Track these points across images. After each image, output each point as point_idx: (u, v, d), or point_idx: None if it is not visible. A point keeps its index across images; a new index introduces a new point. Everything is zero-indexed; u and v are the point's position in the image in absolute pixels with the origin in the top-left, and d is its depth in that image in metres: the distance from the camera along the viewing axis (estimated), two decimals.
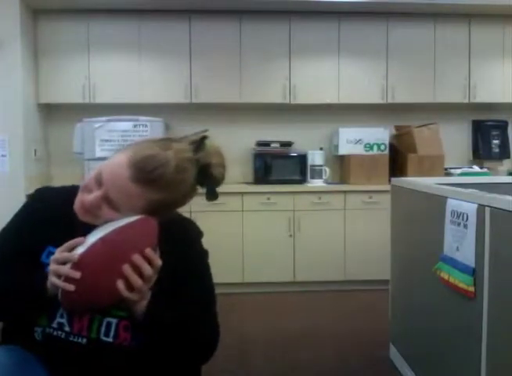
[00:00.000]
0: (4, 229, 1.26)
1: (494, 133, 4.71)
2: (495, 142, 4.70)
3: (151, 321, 1.11)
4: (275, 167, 4.33)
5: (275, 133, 4.58)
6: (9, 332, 1.21)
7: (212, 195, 1.21)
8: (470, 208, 1.79)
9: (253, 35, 4.30)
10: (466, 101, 4.45)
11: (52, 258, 1.06)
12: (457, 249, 1.90)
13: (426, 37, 4.39)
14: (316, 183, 4.29)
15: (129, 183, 1.08)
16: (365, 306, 3.75)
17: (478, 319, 1.74)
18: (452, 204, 1.95)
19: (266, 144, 4.40)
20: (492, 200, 1.67)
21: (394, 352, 2.75)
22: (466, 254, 1.83)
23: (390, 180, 2.84)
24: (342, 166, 4.61)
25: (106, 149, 4.07)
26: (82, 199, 1.14)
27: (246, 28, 4.29)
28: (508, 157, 4.75)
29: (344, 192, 4.15)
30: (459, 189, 1.99)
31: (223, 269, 4.06)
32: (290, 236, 4.12)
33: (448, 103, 4.52)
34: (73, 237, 1.07)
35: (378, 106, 4.54)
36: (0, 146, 3.94)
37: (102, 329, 1.16)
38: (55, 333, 1.17)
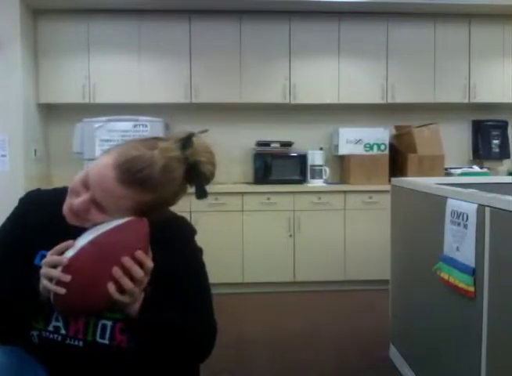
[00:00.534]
0: None
1: (494, 133, 4.71)
2: (495, 142, 4.70)
3: (145, 323, 1.10)
4: (275, 167, 4.33)
5: (275, 133, 4.58)
6: (5, 335, 1.21)
7: (202, 193, 1.21)
8: (470, 208, 1.79)
9: (253, 35, 4.30)
10: (466, 101, 4.45)
11: (43, 261, 1.06)
12: (457, 249, 1.90)
13: (426, 37, 4.39)
14: (316, 183, 4.29)
15: (115, 185, 1.07)
16: (365, 306, 3.75)
17: (478, 319, 1.74)
18: (452, 204, 1.95)
19: (266, 144, 4.40)
20: (492, 200, 1.67)
21: (394, 352, 2.75)
22: (466, 254, 1.83)
23: (390, 180, 2.84)
24: (342, 166, 4.61)
25: (106, 149, 4.06)
26: (70, 202, 1.14)
27: (246, 28, 4.29)
28: (508, 157, 4.75)
29: (344, 192, 4.15)
30: (459, 189, 1.99)
31: (223, 269, 4.08)
32: (290, 236, 4.12)
33: (448, 103, 4.52)
34: (64, 240, 1.07)
35: (378, 106, 4.54)
36: (0, 146, 3.94)
37: (98, 331, 1.16)
38: (51, 336, 1.16)
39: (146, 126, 4.10)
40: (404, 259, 2.61)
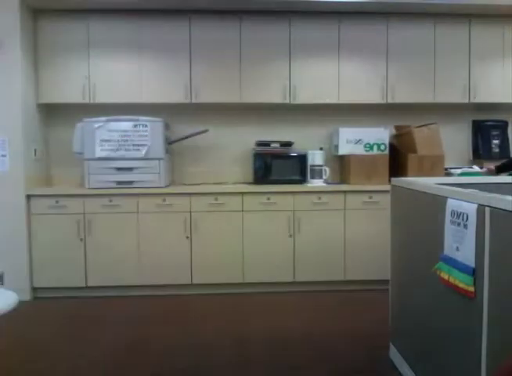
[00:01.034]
0: None
1: (494, 133, 4.71)
2: (495, 142, 4.70)
3: None
4: (275, 167, 4.33)
5: (275, 133, 4.58)
6: None
7: None
8: (470, 208, 1.79)
9: (253, 35, 4.30)
10: (466, 101, 4.45)
11: None
12: (457, 249, 1.90)
13: (426, 37, 4.39)
14: (316, 183, 4.29)
15: None
16: (365, 306, 3.75)
17: (478, 319, 1.74)
18: (452, 204, 1.95)
19: (266, 144, 4.40)
20: (492, 200, 1.67)
21: (394, 352, 2.75)
22: (466, 254, 1.83)
23: (390, 180, 2.84)
24: (342, 166, 4.61)
25: (106, 149, 4.07)
26: None
27: (246, 28, 4.29)
28: (508, 157, 4.74)
29: (344, 192, 4.15)
30: (459, 189, 1.99)
31: (223, 269, 4.09)
32: (290, 236, 4.12)
33: (448, 103, 4.52)
34: None
35: (378, 106, 4.54)
36: (0, 146, 3.94)
37: None
38: None
39: (146, 126, 4.10)
40: (404, 259, 2.61)
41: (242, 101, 4.33)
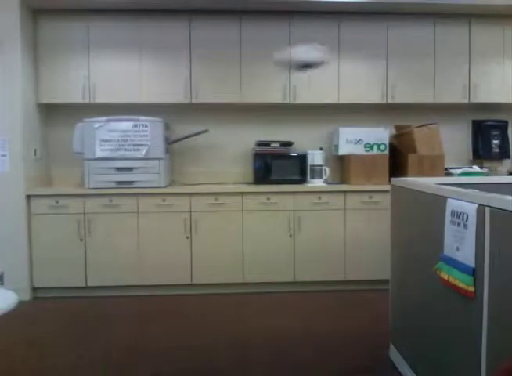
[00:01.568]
0: None
1: (494, 133, 4.71)
2: (495, 142, 4.70)
3: None
4: (275, 167, 4.33)
5: (275, 133, 4.58)
6: None
7: None
8: (470, 208, 1.79)
9: (253, 35, 4.30)
10: (466, 101, 4.45)
11: None
12: (457, 249, 1.90)
13: (426, 37, 4.39)
14: (316, 183, 4.29)
15: None
16: (365, 306, 3.75)
17: (478, 319, 1.74)
18: (452, 204, 1.95)
19: (266, 144, 4.40)
20: (492, 200, 1.67)
21: (394, 352, 2.75)
22: (466, 254, 1.83)
23: (390, 180, 2.84)
24: (342, 166, 4.61)
25: (106, 149, 4.07)
26: None
27: (246, 28, 4.29)
28: (508, 157, 4.75)
29: (344, 192, 4.15)
30: (459, 189, 1.99)
31: (223, 269, 4.09)
32: (290, 236, 4.12)
33: (448, 103, 4.52)
34: None
35: (378, 106, 4.54)
36: (0, 146, 3.94)
37: None
38: None
39: (146, 126, 4.10)
40: (404, 259, 2.61)
41: (242, 101, 4.33)
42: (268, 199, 4.10)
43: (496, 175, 4.54)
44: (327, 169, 4.37)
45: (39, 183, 4.27)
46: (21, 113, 3.96)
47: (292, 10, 4.28)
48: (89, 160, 4.09)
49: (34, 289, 4.06)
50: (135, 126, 4.10)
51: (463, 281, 1.84)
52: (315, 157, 4.34)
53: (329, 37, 4.34)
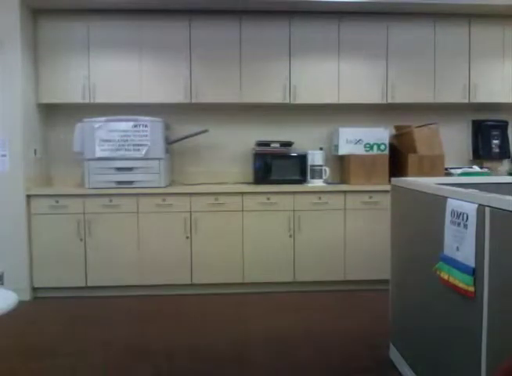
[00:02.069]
0: None
1: (494, 133, 4.71)
2: (495, 142, 4.70)
3: None
4: (275, 167, 4.33)
5: (275, 133, 4.58)
6: None
7: None
8: (470, 208, 1.79)
9: (253, 35, 4.30)
10: (466, 101, 4.45)
11: None
12: (457, 249, 1.90)
13: (426, 37, 4.39)
14: (316, 183, 4.29)
15: None
16: (365, 306, 3.75)
17: (478, 319, 1.74)
18: (452, 204, 1.95)
19: (266, 144, 4.40)
20: (492, 200, 1.67)
21: (394, 352, 2.75)
22: (466, 254, 1.83)
23: (390, 180, 2.84)
24: (342, 166, 4.61)
25: (106, 149, 4.07)
26: None
27: (246, 28, 4.29)
28: (508, 157, 4.75)
29: (344, 192, 4.15)
30: (459, 189, 1.99)
31: (223, 269, 4.09)
32: (290, 236, 4.12)
33: (448, 103, 4.52)
34: None
35: (378, 106, 4.54)
36: (0, 146, 3.94)
37: None
38: None
39: (146, 126, 4.10)
40: (404, 259, 2.61)
41: (242, 101, 4.33)
42: (268, 199, 4.10)
43: (496, 175, 4.54)
44: (327, 169, 4.37)
45: (39, 183, 4.27)
46: (21, 113, 3.96)
47: (292, 10, 4.28)
48: (89, 160, 4.09)
49: (34, 289, 4.06)
50: (135, 126, 4.10)
51: (463, 281, 1.84)
52: (315, 157, 4.34)
53: (329, 38, 4.34)
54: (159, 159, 4.13)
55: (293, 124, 4.66)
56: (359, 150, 4.39)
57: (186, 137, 4.43)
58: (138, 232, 4.04)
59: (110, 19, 4.22)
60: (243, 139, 4.61)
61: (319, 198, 4.13)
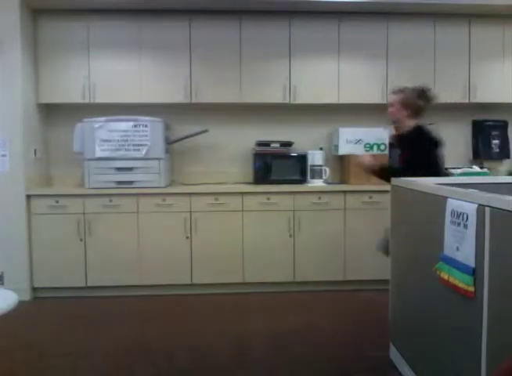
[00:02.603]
0: None
1: (494, 133, 4.71)
2: (495, 142, 4.70)
3: None
4: (275, 167, 4.32)
5: (275, 133, 4.58)
6: None
7: None
8: (470, 208, 1.79)
9: (253, 35, 4.30)
10: (466, 101, 4.45)
11: None
12: (457, 249, 1.90)
13: (426, 37, 4.39)
14: (316, 183, 4.29)
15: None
16: (365, 306, 3.75)
17: (478, 319, 1.74)
18: (452, 204, 1.95)
19: (266, 144, 4.40)
20: (492, 200, 1.67)
21: (394, 352, 2.75)
22: (466, 254, 1.83)
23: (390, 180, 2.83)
24: (342, 166, 4.61)
25: (106, 149, 4.07)
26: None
27: (246, 28, 4.29)
28: (508, 157, 4.75)
29: (344, 192, 4.15)
30: (459, 189, 1.99)
31: (223, 269, 4.08)
32: (290, 236, 4.12)
33: (448, 103, 4.51)
34: None
35: (378, 106, 4.53)
36: (0, 146, 3.94)
37: None
38: None
39: (146, 126, 4.10)
40: (404, 259, 2.61)
41: (242, 101, 4.33)
42: (268, 199, 4.10)
43: (496, 175, 4.54)
44: (327, 169, 4.37)
45: (39, 183, 4.26)
46: (21, 113, 3.96)
47: (292, 10, 4.28)
48: (89, 160, 4.09)
49: (34, 289, 4.06)
50: (135, 126, 4.10)
51: (463, 281, 1.84)
52: (315, 157, 4.34)
53: (329, 38, 4.34)
54: (159, 159, 4.13)
55: (293, 124, 4.66)
56: (359, 150, 4.39)
57: (186, 137, 4.42)
58: (138, 232, 4.04)
59: (110, 19, 4.22)
60: (243, 139, 4.60)
61: (319, 198, 4.13)
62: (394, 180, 2.75)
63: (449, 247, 1.96)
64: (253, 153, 4.43)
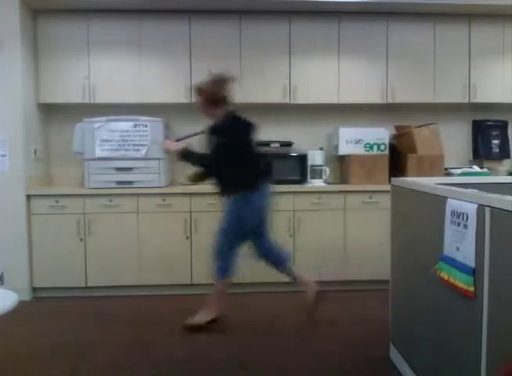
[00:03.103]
0: None
1: (494, 133, 4.71)
2: (495, 142, 4.70)
3: None
4: (275, 167, 4.32)
5: (275, 133, 4.58)
6: None
7: None
8: (470, 208, 1.79)
9: (253, 35, 4.30)
10: (466, 101, 4.45)
11: None
12: (457, 249, 1.90)
13: (426, 37, 4.39)
14: (316, 183, 4.29)
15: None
16: (365, 306, 3.75)
17: (478, 319, 1.74)
18: (452, 204, 1.95)
19: (266, 144, 4.39)
20: (492, 200, 1.67)
21: (394, 352, 2.75)
22: (466, 254, 1.83)
23: (390, 180, 2.84)
24: (342, 166, 4.61)
25: (106, 149, 4.07)
26: None
27: (246, 28, 4.29)
28: (508, 157, 4.75)
29: (344, 192, 4.15)
30: (459, 189, 1.99)
31: None
32: (290, 236, 4.12)
33: (448, 103, 4.52)
34: None
35: (378, 106, 4.54)
36: (0, 146, 3.94)
37: None
38: None
39: (146, 126, 4.10)
40: (404, 259, 2.61)
41: (242, 101, 4.32)
42: None
43: (496, 175, 4.54)
44: (327, 169, 4.36)
45: (39, 183, 4.26)
46: (21, 113, 3.96)
47: (292, 10, 4.28)
48: (89, 160, 4.09)
49: (34, 289, 4.06)
50: (135, 126, 4.10)
51: (463, 281, 1.84)
52: (315, 157, 4.33)
53: (329, 37, 4.34)
54: (159, 159, 4.13)
55: (293, 124, 4.65)
56: (359, 150, 4.39)
57: (186, 137, 4.41)
58: (138, 232, 4.04)
59: (110, 19, 4.22)
60: None
61: (319, 198, 4.13)
62: (394, 180, 2.76)
63: (449, 247, 1.96)
64: None
